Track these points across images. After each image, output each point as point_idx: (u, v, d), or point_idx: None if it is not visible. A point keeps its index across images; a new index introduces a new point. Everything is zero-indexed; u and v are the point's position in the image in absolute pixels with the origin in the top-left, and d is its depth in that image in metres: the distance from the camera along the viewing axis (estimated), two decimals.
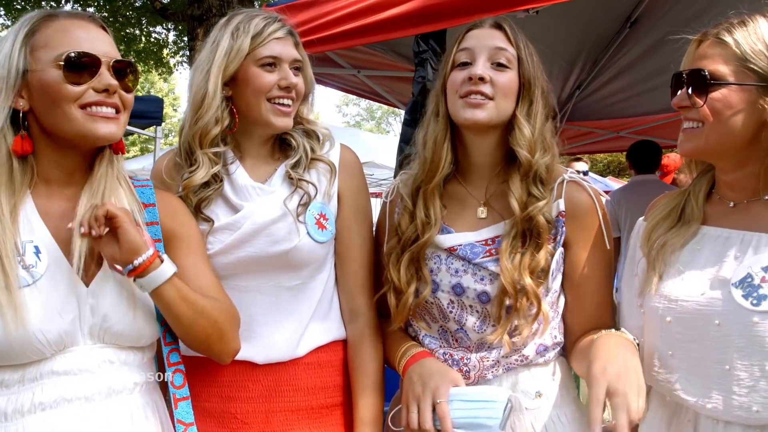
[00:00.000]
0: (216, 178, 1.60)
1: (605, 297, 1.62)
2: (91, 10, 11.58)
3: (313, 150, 1.66)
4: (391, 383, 1.70)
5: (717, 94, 1.27)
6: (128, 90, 1.36)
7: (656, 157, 4.66)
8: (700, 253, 1.36)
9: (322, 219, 1.62)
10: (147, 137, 8.62)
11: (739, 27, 1.29)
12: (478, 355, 1.56)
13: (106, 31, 1.38)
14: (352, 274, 1.68)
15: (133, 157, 17.22)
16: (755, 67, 1.25)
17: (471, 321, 1.56)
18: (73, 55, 1.29)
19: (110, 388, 1.34)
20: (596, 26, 4.33)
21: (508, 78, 1.53)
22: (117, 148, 1.42)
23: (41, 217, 1.33)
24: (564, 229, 1.55)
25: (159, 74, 16.41)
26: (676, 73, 1.36)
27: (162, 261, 1.32)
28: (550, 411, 1.55)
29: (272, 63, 1.59)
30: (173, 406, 1.46)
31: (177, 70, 13.39)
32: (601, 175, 14.78)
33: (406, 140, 2.62)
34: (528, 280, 1.48)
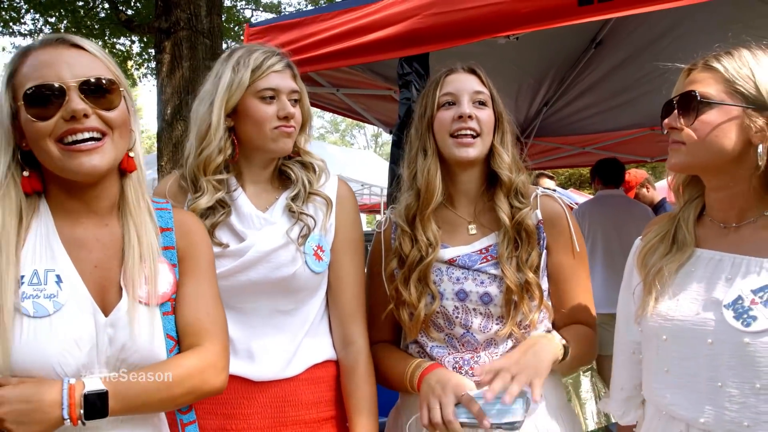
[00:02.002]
0: (222, 204, 1.67)
1: (583, 293, 1.81)
2: (52, 20, 11.35)
3: (310, 183, 1.74)
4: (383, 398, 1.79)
5: (707, 114, 1.36)
6: (110, 107, 1.28)
7: (621, 173, 4.87)
8: (694, 274, 1.43)
9: (319, 251, 1.71)
10: None
11: (725, 56, 1.39)
12: (487, 352, 1.71)
13: (80, 47, 1.30)
14: (345, 303, 1.76)
15: None
16: (742, 89, 1.35)
17: (476, 322, 1.71)
18: (29, 90, 1.24)
19: (121, 418, 1.31)
20: (564, 46, 4.50)
21: (488, 114, 1.75)
22: (127, 168, 1.38)
23: (64, 246, 1.32)
24: (545, 234, 1.75)
25: None
26: (668, 100, 1.46)
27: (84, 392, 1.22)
28: (549, 413, 1.71)
29: (271, 96, 1.67)
30: (180, 430, 1.47)
31: (141, 82, 13.18)
32: (563, 187, 15.16)
33: (395, 161, 2.69)
34: (531, 275, 1.68)
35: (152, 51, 12.21)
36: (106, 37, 11.68)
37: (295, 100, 1.72)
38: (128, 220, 1.38)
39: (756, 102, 1.34)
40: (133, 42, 11.84)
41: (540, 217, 1.75)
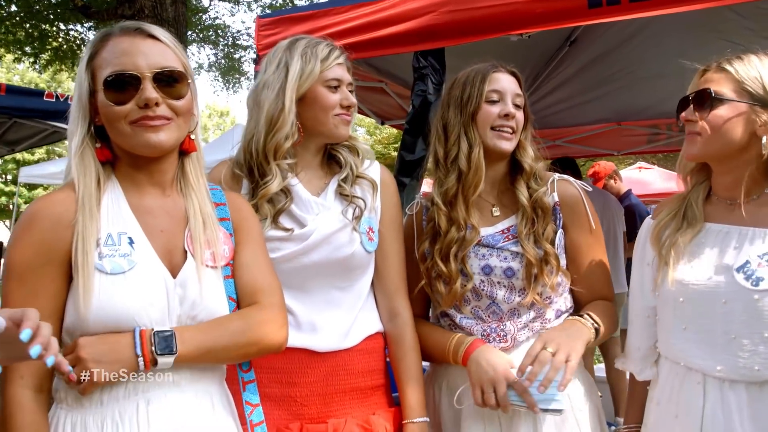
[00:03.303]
0: (286, 192, 1.77)
1: (601, 268, 1.98)
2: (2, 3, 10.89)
3: (357, 166, 1.87)
4: None
5: (720, 109, 1.57)
6: (178, 97, 1.40)
7: (577, 169, 5.19)
8: (705, 245, 1.64)
9: (370, 231, 1.84)
10: None
11: (736, 60, 1.61)
12: (511, 321, 1.89)
13: (155, 38, 1.41)
14: (391, 278, 1.90)
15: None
16: (750, 89, 1.57)
17: (501, 294, 1.89)
18: (110, 77, 1.35)
19: (193, 375, 1.41)
20: (540, 44, 4.69)
21: (522, 115, 1.95)
22: (188, 148, 1.51)
23: (133, 212, 1.42)
24: (561, 215, 1.93)
25: (68, 73, 15.68)
26: (684, 96, 1.67)
27: (155, 339, 1.32)
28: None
29: (336, 86, 1.81)
30: (241, 388, 1.58)
31: None
32: None
33: (405, 147, 2.83)
34: (548, 246, 1.87)
35: None
36: (56, 23, 11.30)
37: (351, 91, 1.86)
38: (190, 192, 1.50)
39: (762, 100, 1.56)
40: (90, 29, 11.48)
41: (557, 199, 1.93)
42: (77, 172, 1.39)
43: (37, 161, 20.32)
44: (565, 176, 2.00)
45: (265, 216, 1.74)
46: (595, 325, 1.83)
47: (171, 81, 1.39)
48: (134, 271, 1.35)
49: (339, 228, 1.78)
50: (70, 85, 24.32)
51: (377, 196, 1.88)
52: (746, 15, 3.76)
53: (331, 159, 1.91)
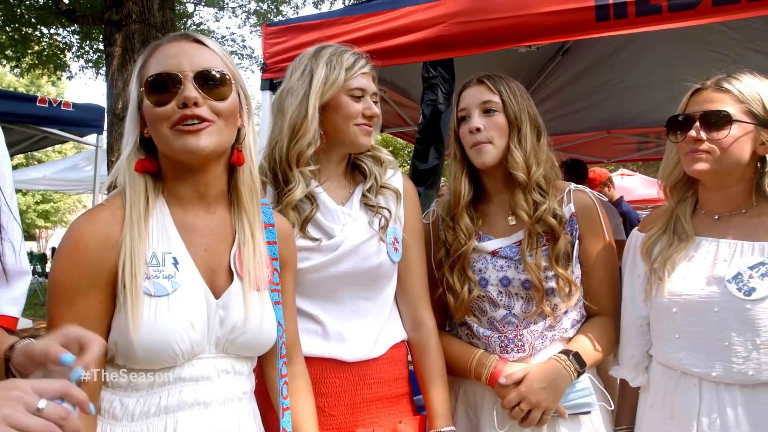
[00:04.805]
0: (311, 199, 1.76)
1: (608, 280, 1.98)
2: None
3: (380, 176, 1.88)
4: None
5: (733, 128, 1.63)
6: (221, 98, 1.35)
7: (585, 172, 5.23)
8: (695, 258, 1.71)
9: (395, 242, 1.85)
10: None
11: (734, 80, 1.66)
12: (528, 329, 1.90)
13: (201, 43, 1.38)
14: (414, 288, 1.91)
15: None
16: (753, 110, 1.63)
17: (518, 305, 1.91)
18: (150, 78, 1.33)
19: (225, 396, 1.40)
20: (534, 53, 4.78)
21: (497, 120, 1.90)
22: (236, 162, 1.44)
23: (178, 230, 1.39)
24: (577, 225, 1.93)
25: (48, 77, 15.50)
26: (684, 114, 1.69)
27: None
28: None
29: (360, 95, 1.80)
30: (280, 414, 1.53)
31: (78, 76, 12.71)
32: None
33: (417, 156, 2.87)
34: (560, 270, 1.86)
35: (90, 43, 11.76)
36: (38, 27, 11.18)
37: (375, 102, 1.85)
38: (242, 214, 1.46)
39: (764, 120, 1.63)
40: (73, 33, 11.36)
41: (573, 210, 1.93)
42: (128, 187, 1.37)
43: (16, 167, 19.99)
44: (581, 186, 2.01)
45: (292, 224, 1.73)
46: (579, 370, 1.85)
47: (214, 81, 1.34)
48: (177, 294, 1.33)
49: (367, 238, 1.79)
50: (50, 89, 23.97)
51: (401, 205, 1.89)
52: (732, 27, 3.88)
53: (354, 168, 1.92)
